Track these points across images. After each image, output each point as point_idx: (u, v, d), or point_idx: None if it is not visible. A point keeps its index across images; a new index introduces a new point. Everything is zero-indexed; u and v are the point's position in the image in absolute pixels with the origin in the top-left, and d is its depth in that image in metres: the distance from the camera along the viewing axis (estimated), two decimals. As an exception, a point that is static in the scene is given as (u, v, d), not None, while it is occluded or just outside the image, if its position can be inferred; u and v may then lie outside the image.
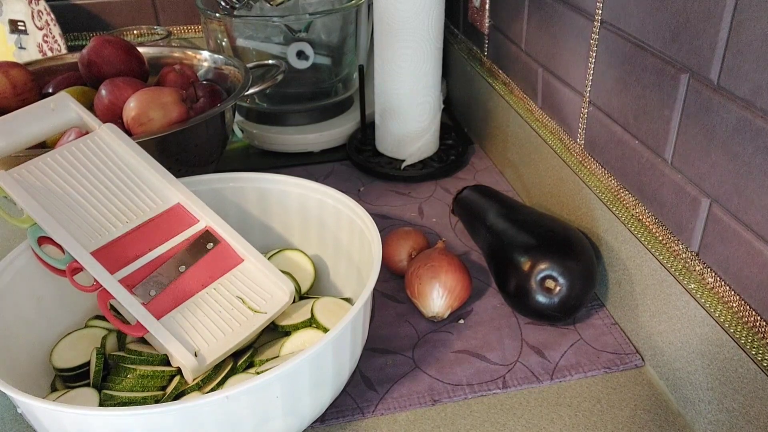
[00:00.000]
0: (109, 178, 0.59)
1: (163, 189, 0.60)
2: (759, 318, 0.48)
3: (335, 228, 0.66)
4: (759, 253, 0.47)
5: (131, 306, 0.52)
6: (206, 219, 0.59)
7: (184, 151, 0.74)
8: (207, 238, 0.58)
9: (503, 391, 0.59)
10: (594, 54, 0.66)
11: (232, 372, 0.54)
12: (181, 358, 0.51)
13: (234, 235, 0.59)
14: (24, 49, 1.14)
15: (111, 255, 0.55)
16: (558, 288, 0.62)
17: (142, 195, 0.59)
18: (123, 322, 0.55)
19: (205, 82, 0.84)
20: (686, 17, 0.51)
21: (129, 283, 0.54)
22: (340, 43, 1.02)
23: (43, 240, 0.56)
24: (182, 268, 0.56)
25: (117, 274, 0.54)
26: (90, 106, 0.77)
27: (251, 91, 0.83)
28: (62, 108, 0.61)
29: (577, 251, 0.63)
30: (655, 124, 0.57)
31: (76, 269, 0.55)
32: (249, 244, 0.59)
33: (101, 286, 0.53)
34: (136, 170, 0.61)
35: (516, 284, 0.64)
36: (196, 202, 0.60)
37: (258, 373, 0.52)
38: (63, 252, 0.55)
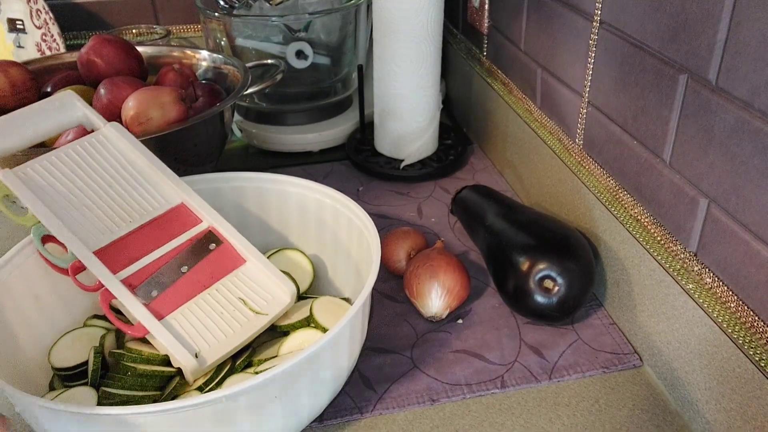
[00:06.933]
0: (113, 177, 0.59)
1: (167, 188, 0.60)
2: (757, 318, 0.48)
3: (334, 228, 0.66)
4: (757, 253, 0.47)
5: (133, 306, 0.52)
6: (209, 219, 0.59)
7: (182, 151, 0.74)
8: (210, 238, 0.58)
9: (501, 390, 0.59)
10: (593, 54, 0.66)
11: (231, 372, 0.54)
12: (181, 359, 0.51)
13: (236, 236, 0.59)
14: (22, 48, 1.14)
15: (114, 254, 0.54)
16: (556, 288, 0.62)
17: (145, 194, 0.59)
18: (124, 322, 0.55)
19: (204, 82, 0.84)
20: (685, 18, 0.51)
21: (131, 283, 0.54)
22: (339, 42, 1.02)
23: (47, 238, 0.56)
24: (184, 269, 0.56)
25: (119, 274, 0.54)
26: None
27: (250, 90, 0.83)
28: (68, 106, 0.61)
29: (575, 251, 0.64)
30: (654, 125, 0.57)
31: (79, 268, 0.55)
32: (251, 245, 0.59)
33: (103, 285, 0.53)
34: (140, 169, 0.60)
35: (515, 284, 0.64)
36: (200, 202, 0.60)
37: (256, 373, 0.52)
38: (66, 251, 0.55)
